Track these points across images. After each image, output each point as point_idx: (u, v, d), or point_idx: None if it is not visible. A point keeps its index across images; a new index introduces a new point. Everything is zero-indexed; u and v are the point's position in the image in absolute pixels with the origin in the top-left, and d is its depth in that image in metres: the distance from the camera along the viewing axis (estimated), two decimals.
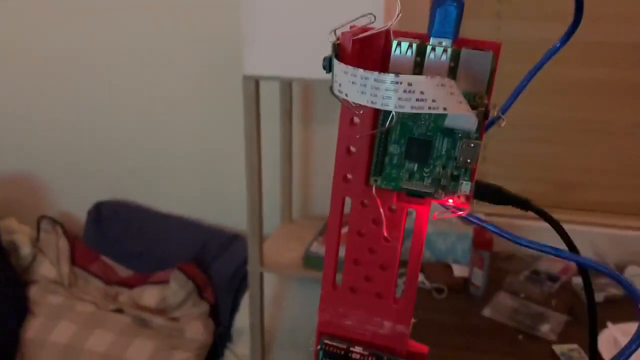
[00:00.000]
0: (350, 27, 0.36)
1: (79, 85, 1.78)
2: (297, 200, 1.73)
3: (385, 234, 0.40)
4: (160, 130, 1.77)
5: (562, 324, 1.28)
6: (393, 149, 0.38)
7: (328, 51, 1.15)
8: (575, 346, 1.21)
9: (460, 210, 0.38)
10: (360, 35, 0.34)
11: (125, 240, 1.77)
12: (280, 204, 1.66)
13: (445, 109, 0.30)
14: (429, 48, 0.34)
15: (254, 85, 1.25)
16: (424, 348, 0.43)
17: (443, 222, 1.57)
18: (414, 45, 0.34)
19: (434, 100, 0.29)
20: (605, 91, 1.50)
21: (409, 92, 0.29)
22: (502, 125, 0.35)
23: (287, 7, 1.18)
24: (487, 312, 1.34)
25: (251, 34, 1.21)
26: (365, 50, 0.35)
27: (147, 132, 1.78)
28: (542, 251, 0.37)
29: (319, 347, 0.44)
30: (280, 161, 1.61)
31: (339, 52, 0.34)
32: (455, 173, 0.38)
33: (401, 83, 0.29)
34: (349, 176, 0.41)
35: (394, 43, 0.34)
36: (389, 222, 0.40)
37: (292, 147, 1.62)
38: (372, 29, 0.35)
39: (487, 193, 0.37)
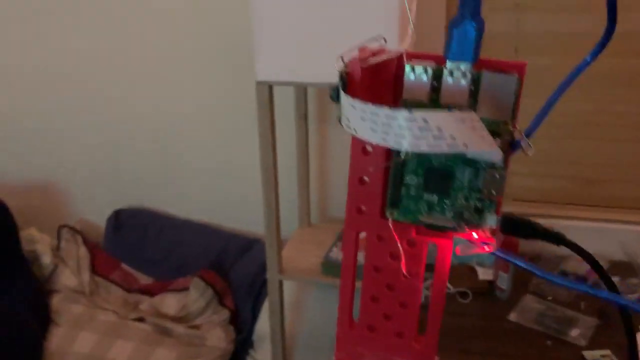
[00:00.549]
0: (359, 50, 0.33)
1: (96, 94, 1.77)
2: (314, 203, 1.70)
3: (404, 270, 0.37)
4: (176, 137, 1.76)
5: (593, 328, 1.24)
6: (410, 179, 0.35)
7: (334, 54, 1.09)
8: (607, 352, 1.16)
9: (487, 244, 0.35)
10: (371, 62, 0.31)
11: (144, 247, 1.77)
12: (298, 207, 1.63)
13: (465, 145, 0.26)
14: (445, 72, 0.31)
15: (267, 90, 1.22)
16: None
17: None
18: (430, 70, 0.31)
19: (453, 138, 0.26)
20: (628, 83, 1.45)
21: (425, 129, 0.26)
22: (530, 153, 0.31)
23: (297, 12, 1.14)
24: (513, 316, 1.30)
25: (262, 40, 1.18)
26: (376, 75, 0.32)
27: (163, 139, 1.77)
28: (578, 289, 0.34)
29: None
30: (297, 164, 1.59)
31: (347, 81, 0.31)
32: (478, 205, 0.34)
33: (416, 120, 0.26)
34: (363, 208, 0.37)
35: (408, 67, 0.31)
36: (408, 257, 0.37)
37: (309, 149, 1.59)
38: (383, 51, 0.32)
39: (515, 227, 0.34)
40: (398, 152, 0.35)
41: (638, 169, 1.51)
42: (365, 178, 0.37)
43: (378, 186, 0.36)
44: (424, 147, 0.26)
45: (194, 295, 1.60)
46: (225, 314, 1.61)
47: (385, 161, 0.35)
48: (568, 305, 1.33)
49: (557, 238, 0.34)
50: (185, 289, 1.63)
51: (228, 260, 1.69)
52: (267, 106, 1.23)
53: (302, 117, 1.53)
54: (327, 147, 1.65)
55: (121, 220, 1.81)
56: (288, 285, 1.50)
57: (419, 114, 0.26)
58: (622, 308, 0.33)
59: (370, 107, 0.27)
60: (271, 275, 1.38)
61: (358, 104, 0.27)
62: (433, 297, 0.38)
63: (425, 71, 0.31)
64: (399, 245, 0.36)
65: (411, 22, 0.29)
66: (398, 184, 0.36)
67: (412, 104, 0.32)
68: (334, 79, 1.21)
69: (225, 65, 1.63)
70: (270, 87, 1.23)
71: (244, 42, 1.57)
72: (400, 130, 0.26)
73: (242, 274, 1.66)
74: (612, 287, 0.33)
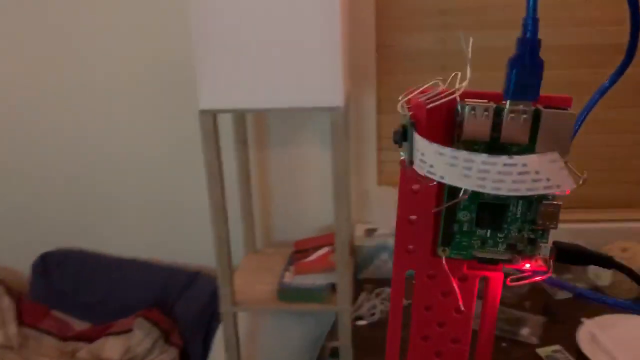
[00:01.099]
0: (418, 92, 0.33)
1: (16, 126, 1.64)
2: (258, 229, 1.67)
3: (462, 306, 0.36)
4: (106, 171, 1.67)
5: (541, 326, 1.31)
6: (462, 215, 0.35)
7: (282, 80, 1.10)
8: (558, 347, 1.23)
9: (541, 274, 0.35)
10: (433, 104, 0.31)
11: (77, 291, 1.65)
12: (243, 234, 1.60)
13: (558, 186, 0.27)
14: (506, 110, 0.31)
15: (211, 119, 1.19)
16: None
17: None
18: (491, 109, 0.31)
19: (548, 179, 0.26)
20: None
21: (524, 173, 0.26)
22: (581, 184, 0.32)
23: (238, 41, 1.13)
24: None
25: (205, 68, 1.15)
26: (435, 117, 0.32)
27: (91, 173, 1.67)
28: (625, 308, 0.35)
29: None
30: (239, 190, 1.55)
31: (416, 125, 0.31)
32: (532, 236, 0.35)
33: (517, 165, 0.26)
34: (411, 247, 0.37)
35: (467, 108, 0.31)
36: (461, 293, 0.37)
37: (250, 175, 1.57)
38: (439, 94, 0.32)
39: (567, 255, 0.35)
40: (452, 191, 0.35)
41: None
42: (414, 217, 0.36)
43: (428, 225, 0.36)
44: (522, 191, 0.26)
45: (138, 336, 1.51)
46: (173, 352, 1.54)
47: (436, 200, 0.35)
48: (515, 307, 1.39)
49: (607, 261, 0.35)
50: (128, 330, 1.54)
51: (171, 297, 1.61)
52: (212, 135, 1.20)
53: (242, 142, 1.51)
54: (268, 171, 1.63)
55: (48, 264, 1.68)
56: (241, 316, 1.46)
57: (519, 159, 0.26)
58: None
59: (463, 154, 0.27)
60: (225, 308, 1.33)
61: (449, 150, 0.27)
62: (485, 328, 0.38)
63: (487, 110, 0.31)
64: (453, 282, 0.36)
65: (469, 67, 0.29)
66: (450, 222, 0.36)
67: (474, 145, 0.32)
68: (278, 103, 1.21)
69: (159, 96, 1.58)
70: (215, 116, 1.20)
71: (178, 72, 1.53)
72: (499, 176, 0.26)
73: (188, 309, 1.59)
74: None
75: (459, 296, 0.36)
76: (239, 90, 1.17)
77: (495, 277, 0.37)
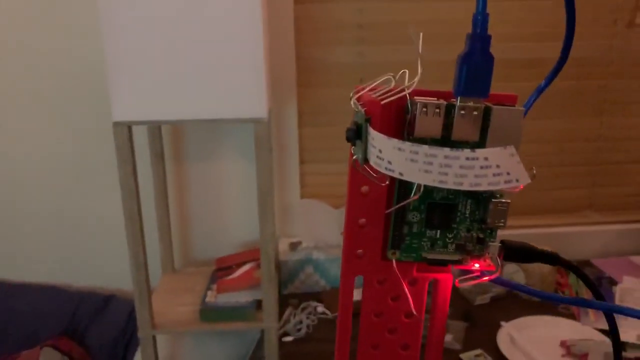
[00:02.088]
0: (370, 90, 0.31)
1: None
2: (177, 248, 1.60)
3: (414, 310, 0.35)
4: (8, 186, 1.53)
5: (463, 331, 1.34)
6: (412, 216, 0.34)
7: (202, 91, 1.08)
8: (479, 351, 1.27)
9: (489, 273, 0.35)
10: (387, 100, 0.30)
11: None
12: (160, 254, 1.52)
13: (517, 180, 0.26)
14: (457, 107, 0.31)
15: (126, 131, 1.13)
16: None
17: (332, 248, 1.57)
18: (442, 107, 0.31)
19: (508, 173, 0.26)
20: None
21: (486, 167, 0.25)
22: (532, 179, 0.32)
23: (153, 51, 1.08)
24: None
25: (118, 78, 1.09)
26: (388, 114, 0.31)
27: None
28: (574, 304, 0.36)
29: None
30: (155, 207, 1.48)
31: (371, 121, 0.29)
32: (480, 235, 0.35)
33: (478, 159, 0.25)
34: (360, 251, 0.36)
35: (419, 106, 0.30)
36: (411, 296, 0.36)
37: (167, 189, 1.50)
38: (390, 91, 0.31)
39: (515, 253, 0.35)
40: (402, 192, 0.34)
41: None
42: (363, 220, 0.35)
43: (378, 228, 0.35)
44: (484, 186, 0.26)
45: None
46: None
47: (386, 202, 0.34)
48: None
49: (553, 258, 0.35)
50: None
51: (82, 323, 1.50)
52: (127, 148, 1.14)
53: (159, 156, 1.44)
54: (185, 186, 1.57)
55: None
56: (161, 340, 1.38)
57: (481, 152, 0.25)
58: (609, 316, 0.36)
59: (424, 149, 0.26)
60: (143, 332, 1.26)
61: (408, 145, 0.26)
62: (434, 333, 0.37)
63: (438, 108, 0.31)
64: (404, 285, 0.35)
65: (420, 63, 0.29)
66: (399, 224, 0.35)
67: (425, 143, 0.31)
68: (194, 114, 1.17)
69: (71, 108, 1.48)
70: (129, 128, 1.14)
71: (92, 81, 1.45)
72: (462, 171, 0.25)
73: (102, 335, 1.49)
74: (600, 298, 0.35)
75: (410, 300, 0.35)
76: (155, 102, 1.12)
77: (445, 279, 0.36)
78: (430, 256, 0.35)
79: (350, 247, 0.35)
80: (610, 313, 0.36)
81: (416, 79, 0.31)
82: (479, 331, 1.34)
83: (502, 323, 1.33)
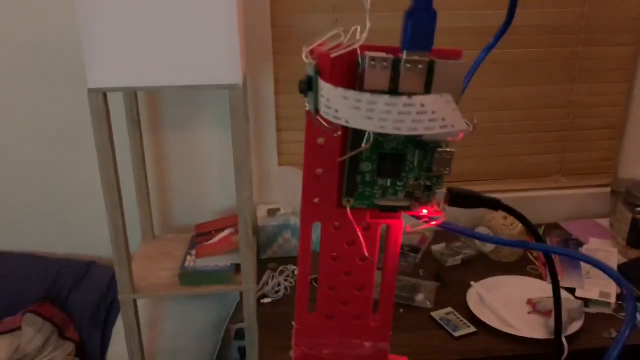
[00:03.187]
0: (320, 44, 0.34)
1: None
2: (156, 215, 1.62)
3: (367, 254, 0.38)
4: None
5: (434, 291, 1.39)
6: (365, 166, 0.37)
7: (176, 57, 1.10)
8: (450, 309, 1.32)
9: (435, 219, 0.38)
10: (337, 54, 0.32)
11: None
12: (140, 220, 1.54)
13: (453, 126, 0.29)
14: (403, 62, 0.33)
15: (102, 98, 1.13)
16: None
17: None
18: (389, 60, 0.33)
19: (443, 119, 0.29)
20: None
21: (422, 113, 0.28)
22: (472, 131, 0.35)
23: (127, 16, 1.08)
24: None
25: (93, 44, 1.09)
26: (338, 67, 0.33)
27: None
28: (516, 246, 0.39)
29: None
30: (134, 174, 1.50)
31: (321, 73, 0.32)
32: (428, 183, 0.38)
33: (415, 105, 0.28)
34: (317, 200, 0.38)
35: (367, 59, 0.33)
36: (365, 241, 0.39)
37: (145, 157, 1.51)
38: (340, 45, 0.34)
39: (460, 199, 0.38)
40: (355, 142, 0.36)
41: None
42: (320, 170, 0.37)
43: (333, 178, 0.37)
44: (420, 130, 0.28)
45: (28, 334, 1.42)
46: (69, 347, 1.46)
47: (340, 152, 0.36)
48: (410, 275, 1.47)
49: (495, 204, 0.38)
50: (17, 329, 1.43)
51: (64, 290, 1.53)
52: (103, 115, 1.14)
53: (136, 124, 1.45)
54: (163, 154, 1.59)
55: None
56: (140, 304, 1.41)
57: (417, 99, 0.28)
58: (548, 258, 0.40)
59: (367, 97, 0.28)
60: (124, 296, 1.28)
61: (352, 93, 0.28)
62: (387, 275, 0.41)
63: (385, 61, 0.33)
64: (358, 230, 0.38)
65: (368, 17, 0.30)
66: (353, 173, 0.37)
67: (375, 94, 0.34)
68: (171, 81, 1.19)
69: (47, 74, 1.47)
70: (105, 95, 1.14)
71: (67, 48, 1.44)
72: (400, 116, 0.28)
73: (83, 301, 1.51)
74: (540, 240, 0.39)
75: (364, 244, 0.38)
76: (129, 68, 1.12)
77: (396, 225, 0.39)
78: (382, 203, 0.38)
79: (309, 195, 0.38)
80: (548, 254, 0.39)
81: (365, 34, 0.33)
82: (450, 291, 1.39)
83: (472, 283, 1.38)
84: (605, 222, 1.69)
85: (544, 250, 0.38)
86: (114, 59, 1.11)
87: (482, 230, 1.58)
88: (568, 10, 1.60)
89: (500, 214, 1.56)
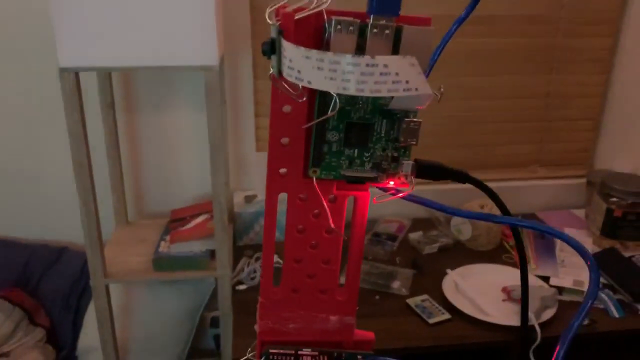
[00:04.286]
0: (282, 7, 0.32)
1: None
2: (130, 200, 1.60)
3: (332, 225, 0.38)
4: None
5: (410, 278, 1.39)
6: (331, 136, 0.36)
7: (150, 37, 1.08)
8: (425, 297, 1.32)
9: (402, 191, 0.37)
10: (300, 15, 0.31)
11: None
12: (113, 205, 1.52)
13: (417, 89, 0.28)
14: (370, 25, 0.32)
15: (73, 78, 1.10)
16: (370, 335, 0.43)
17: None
18: (355, 25, 0.32)
19: (407, 82, 0.28)
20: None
21: (385, 74, 0.27)
22: (439, 100, 0.35)
23: None
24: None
25: (64, 22, 1.06)
26: (303, 29, 0.32)
27: None
28: (479, 219, 0.38)
29: (262, 358, 0.40)
30: (107, 158, 1.47)
31: (284, 34, 0.31)
32: (395, 154, 0.37)
33: (377, 65, 0.27)
34: (282, 171, 0.37)
35: (333, 23, 0.32)
36: (331, 213, 0.38)
37: (119, 141, 1.48)
38: (304, 8, 0.32)
39: (426, 170, 0.37)
40: (320, 110, 0.35)
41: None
42: (286, 140, 0.36)
43: (299, 147, 0.36)
44: (384, 92, 0.27)
45: None
46: (39, 333, 1.43)
47: (307, 121, 0.35)
48: (386, 262, 1.47)
49: (462, 176, 0.38)
50: None
51: (35, 275, 1.50)
52: (75, 95, 1.12)
53: (109, 106, 1.42)
54: (138, 137, 1.56)
55: None
56: (113, 290, 1.39)
57: (380, 59, 0.27)
58: (514, 230, 0.39)
59: (329, 56, 0.27)
60: (96, 281, 1.26)
61: (315, 53, 0.27)
62: (353, 247, 0.40)
63: (352, 25, 0.32)
64: (324, 202, 0.37)
65: None
66: (320, 143, 0.36)
67: None
68: (145, 61, 1.16)
69: (17, 53, 1.43)
70: (77, 75, 1.12)
71: (37, 28, 1.40)
72: (362, 77, 0.27)
73: (54, 287, 1.49)
74: (506, 212, 0.38)
75: (330, 216, 0.37)
76: (102, 47, 1.10)
77: (363, 197, 0.38)
78: (349, 174, 0.37)
79: (274, 165, 0.37)
80: (514, 226, 0.38)
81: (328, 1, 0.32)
82: (426, 279, 1.40)
83: (448, 271, 1.39)
84: (580, 213, 1.71)
85: (509, 222, 0.37)
86: (86, 38, 1.09)
87: (458, 218, 1.58)
88: (546, 1, 1.60)
89: (477, 202, 1.57)
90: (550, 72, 1.69)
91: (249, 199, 1.57)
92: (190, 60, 1.11)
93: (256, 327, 0.40)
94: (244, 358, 0.42)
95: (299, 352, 0.40)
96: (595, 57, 1.69)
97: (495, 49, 1.63)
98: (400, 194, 0.37)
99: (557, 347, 0.33)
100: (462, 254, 1.53)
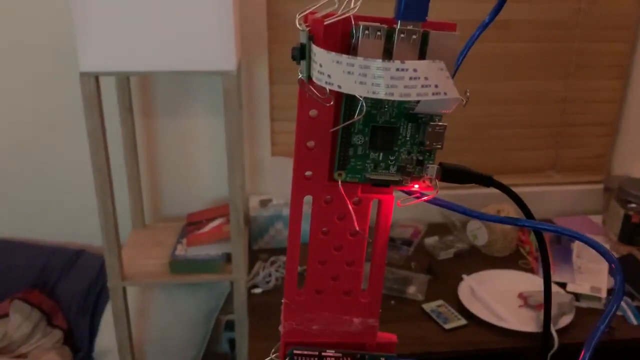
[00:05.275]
0: (311, 12, 0.33)
1: None
2: (147, 203, 1.61)
3: (357, 228, 0.38)
4: None
5: (425, 283, 1.39)
6: (357, 139, 0.37)
7: (170, 42, 1.09)
8: (441, 302, 1.32)
9: (426, 194, 0.38)
10: (330, 21, 0.32)
11: None
12: (130, 208, 1.53)
13: (445, 93, 0.29)
14: (397, 32, 0.33)
15: (94, 82, 1.12)
16: (392, 337, 0.43)
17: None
18: (383, 30, 0.33)
19: (436, 86, 0.28)
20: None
21: (415, 78, 0.27)
22: (464, 105, 0.35)
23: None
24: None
25: (85, 27, 1.08)
26: (332, 35, 0.33)
27: None
28: (507, 223, 0.39)
29: (287, 359, 0.41)
30: (125, 162, 1.48)
31: (314, 39, 0.31)
32: (420, 157, 0.37)
33: (407, 70, 0.27)
34: (308, 174, 0.38)
35: (361, 28, 0.32)
36: (356, 216, 0.38)
37: (137, 145, 1.50)
38: (334, 14, 0.33)
39: (451, 174, 0.37)
40: (347, 114, 0.36)
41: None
42: (312, 143, 0.37)
43: (325, 150, 0.37)
44: (413, 96, 0.28)
45: (16, 321, 1.41)
46: (57, 334, 1.45)
47: (333, 125, 0.36)
48: (402, 267, 1.47)
49: (487, 180, 0.38)
50: (4, 315, 1.42)
51: (53, 277, 1.51)
52: (95, 99, 1.13)
53: (127, 110, 1.44)
54: (155, 141, 1.57)
55: None
56: (130, 292, 1.40)
57: (410, 64, 0.27)
58: (539, 235, 0.39)
59: (359, 61, 0.27)
60: (113, 283, 1.28)
61: (345, 58, 0.28)
62: (377, 250, 0.40)
63: (379, 31, 0.32)
64: (349, 204, 0.37)
65: None
66: (345, 146, 0.37)
67: None
68: (164, 66, 1.18)
69: (39, 58, 1.46)
70: (97, 79, 1.13)
71: (53, 34, 1.42)
72: (392, 81, 0.27)
73: (72, 289, 1.50)
74: (531, 218, 0.38)
75: (355, 219, 0.38)
76: (122, 52, 1.11)
77: (387, 200, 0.39)
78: (373, 177, 0.37)
79: (300, 168, 0.37)
80: (538, 230, 0.38)
81: (359, 2, 0.32)
82: (442, 284, 1.39)
83: (464, 276, 1.38)
84: (597, 219, 1.70)
85: (534, 226, 0.37)
86: (107, 43, 1.10)
87: (474, 223, 1.58)
88: (564, 6, 1.60)
89: (493, 206, 1.56)
90: (567, 77, 1.68)
91: (264, 203, 1.58)
92: (209, 66, 1.12)
93: (280, 328, 0.41)
94: (268, 359, 0.42)
95: (323, 354, 0.40)
96: (612, 63, 1.68)
97: (512, 54, 1.62)
98: (425, 197, 0.38)
99: (582, 352, 0.33)
100: (478, 259, 1.52)
